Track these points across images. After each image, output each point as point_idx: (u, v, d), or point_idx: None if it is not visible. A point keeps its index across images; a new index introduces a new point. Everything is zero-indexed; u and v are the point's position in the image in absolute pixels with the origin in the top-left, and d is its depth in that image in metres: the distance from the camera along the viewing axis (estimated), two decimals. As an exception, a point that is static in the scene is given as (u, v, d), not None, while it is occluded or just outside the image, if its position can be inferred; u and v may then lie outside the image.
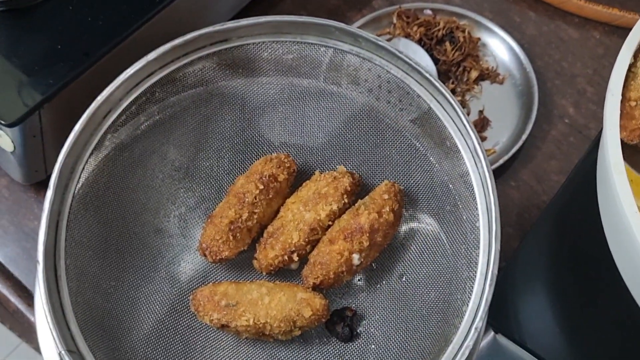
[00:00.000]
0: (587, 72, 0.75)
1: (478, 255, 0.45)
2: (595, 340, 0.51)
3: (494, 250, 0.45)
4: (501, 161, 0.68)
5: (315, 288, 0.51)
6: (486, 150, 0.70)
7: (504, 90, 0.74)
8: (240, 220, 0.52)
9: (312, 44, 0.52)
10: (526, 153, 0.71)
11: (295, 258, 0.51)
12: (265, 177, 0.52)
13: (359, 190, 0.53)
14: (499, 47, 0.76)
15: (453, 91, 0.73)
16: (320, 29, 0.51)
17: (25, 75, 0.58)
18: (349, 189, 0.52)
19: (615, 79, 0.45)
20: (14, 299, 0.67)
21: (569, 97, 0.74)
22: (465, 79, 0.75)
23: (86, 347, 0.47)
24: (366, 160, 0.54)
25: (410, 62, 0.49)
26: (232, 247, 0.51)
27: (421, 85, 0.50)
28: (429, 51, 0.75)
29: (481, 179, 0.47)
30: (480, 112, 0.73)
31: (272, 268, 0.52)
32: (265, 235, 0.52)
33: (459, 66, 0.75)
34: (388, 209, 0.50)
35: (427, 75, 0.48)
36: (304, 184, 0.53)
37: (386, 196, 0.50)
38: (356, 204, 0.52)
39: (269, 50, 0.52)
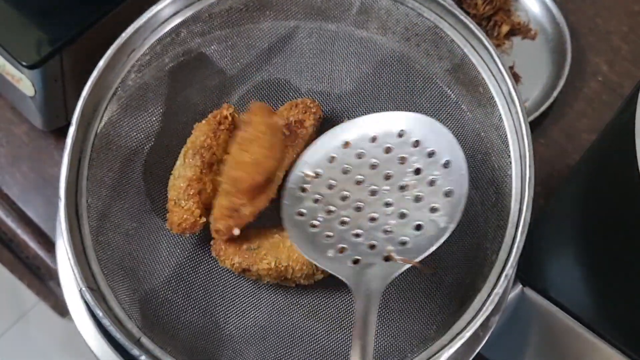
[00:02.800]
0: (622, 29, 0.73)
1: (510, 204, 0.44)
2: (624, 297, 0.50)
3: (527, 196, 0.43)
4: (531, 118, 0.66)
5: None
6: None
7: (536, 46, 0.72)
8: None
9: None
10: (557, 111, 0.69)
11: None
12: (292, 123, 0.51)
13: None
14: (532, 1, 0.74)
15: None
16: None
17: (48, 17, 0.57)
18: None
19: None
20: (33, 245, 0.67)
21: (602, 54, 0.72)
22: (495, 34, 0.73)
23: (107, 285, 0.46)
24: (395, 109, 0.52)
25: (444, 3, 0.47)
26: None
27: (455, 29, 0.49)
28: (459, 4, 0.73)
29: (515, 125, 0.45)
30: (511, 67, 0.71)
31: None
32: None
33: (490, 20, 0.73)
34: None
35: (462, 17, 0.47)
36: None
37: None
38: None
39: (299, -9, 0.51)
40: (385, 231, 0.45)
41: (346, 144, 0.49)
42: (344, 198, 0.47)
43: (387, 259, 0.43)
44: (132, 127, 0.51)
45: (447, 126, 0.51)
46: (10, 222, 0.68)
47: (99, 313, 0.44)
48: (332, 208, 0.47)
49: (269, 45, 0.54)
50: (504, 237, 0.44)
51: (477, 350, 0.45)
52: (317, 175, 0.49)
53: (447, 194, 0.43)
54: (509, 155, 0.45)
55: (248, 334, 0.50)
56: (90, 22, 0.58)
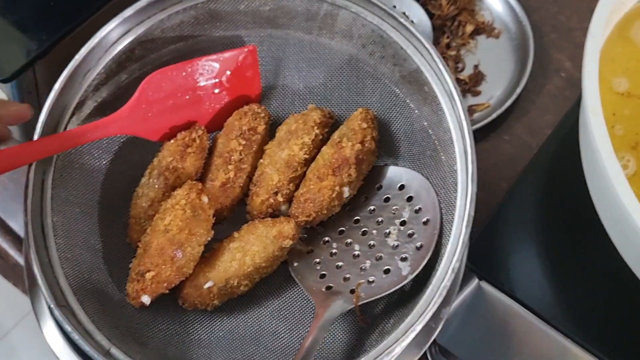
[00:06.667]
0: (585, 26, 0.72)
1: (456, 199, 0.45)
2: (580, 289, 0.51)
3: (471, 191, 0.44)
4: (494, 115, 0.67)
5: (306, 224, 0.51)
6: (480, 105, 0.69)
7: (500, 44, 0.73)
8: (230, 180, 0.52)
9: (288, -6, 0.51)
10: (521, 107, 0.70)
11: (281, 198, 0.51)
12: (245, 131, 0.52)
13: (332, 122, 0.53)
14: (495, 0, 0.74)
15: (448, 46, 0.72)
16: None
17: (19, 31, 0.58)
18: (318, 120, 0.51)
19: (596, 21, 0.45)
20: (13, 253, 0.69)
21: (565, 50, 0.72)
22: (460, 34, 0.73)
23: (75, 300, 0.48)
24: (349, 110, 0.54)
25: (384, 7, 0.49)
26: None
27: (396, 29, 0.50)
28: (424, 5, 0.74)
29: (458, 121, 0.46)
30: (476, 66, 0.72)
31: (262, 215, 0.52)
32: (251, 186, 0.53)
33: (454, 20, 0.74)
34: (369, 138, 0.50)
35: (402, 20, 0.48)
36: (277, 128, 0.53)
37: (365, 125, 0.50)
38: (335, 135, 0.51)
39: (245, 3, 0.52)
40: (361, 269, 0.49)
41: None
42: (340, 232, 0.52)
43: (352, 291, 0.48)
44: (94, 145, 0.52)
45: (398, 124, 0.52)
46: (-8, 232, 0.69)
47: (68, 328, 0.45)
48: (327, 239, 0.52)
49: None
50: (451, 231, 0.45)
51: (430, 341, 0.46)
52: None
53: (418, 247, 0.48)
54: (454, 151, 0.46)
55: (216, 337, 0.51)
56: (62, 34, 0.58)
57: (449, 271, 0.43)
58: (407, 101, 0.51)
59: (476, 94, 0.70)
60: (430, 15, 0.73)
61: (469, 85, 0.70)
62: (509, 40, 0.73)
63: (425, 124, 0.50)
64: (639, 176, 0.44)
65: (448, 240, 0.45)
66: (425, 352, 0.51)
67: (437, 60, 0.47)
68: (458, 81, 0.70)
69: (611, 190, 0.39)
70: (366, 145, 0.50)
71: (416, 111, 0.51)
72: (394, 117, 0.52)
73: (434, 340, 0.48)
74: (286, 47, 0.54)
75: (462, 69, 0.72)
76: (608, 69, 0.47)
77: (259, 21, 0.53)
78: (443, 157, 0.48)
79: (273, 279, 0.51)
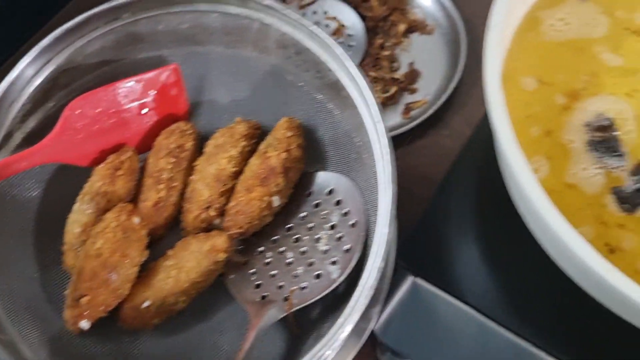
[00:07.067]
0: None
1: (377, 199, 0.46)
2: (514, 279, 0.51)
3: (391, 192, 0.45)
4: (431, 111, 0.68)
5: (239, 236, 0.51)
6: (417, 102, 0.70)
7: (434, 40, 0.74)
8: (162, 199, 0.52)
9: (203, 11, 0.52)
10: (458, 101, 0.70)
11: (213, 213, 0.51)
12: (173, 149, 0.52)
13: (259, 134, 0.54)
14: (424, -4, 0.76)
15: (382, 46, 0.73)
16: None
17: None
18: (245, 132, 0.52)
19: (496, 12, 0.46)
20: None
21: (498, 40, 0.73)
22: (393, 33, 0.74)
23: (15, 330, 0.48)
24: (276, 119, 0.54)
25: (293, 16, 0.49)
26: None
27: (311, 38, 0.50)
28: (356, 9, 0.75)
29: (373, 123, 0.47)
30: (411, 64, 0.73)
31: (197, 230, 0.52)
32: (183, 203, 0.53)
33: (386, 20, 0.75)
34: (295, 146, 0.51)
35: (312, 28, 0.48)
36: (205, 144, 0.54)
37: (289, 133, 0.51)
38: (261, 146, 0.52)
39: (163, 23, 0.53)
40: (294, 276, 0.50)
41: None
42: (274, 241, 0.53)
43: (286, 299, 0.49)
44: (24, 175, 0.53)
45: (323, 129, 0.53)
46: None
47: (6, 358, 0.45)
48: (262, 248, 0.52)
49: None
50: (375, 231, 0.45)
51: (362, 341, 0.47)
52: None
53: (347, 250, 0.49)
54: (373, 152, 0.47)
55: (159, 355, 0.51)
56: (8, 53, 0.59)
57: (374, 271, 0.44)
58: (329, 107, 0.52)
59: (413, 91, 0.71)
60: (363, 18, 0.74)
61: (405, 84, 0.71)
62: (442, 36, 0.74)
63: (348, 127, 0.51)
64: (553, 175, 0.45)
65: (373, 240, 0.46)
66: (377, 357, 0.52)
67: (347, 63, 0.48)
68: (394, 80, 0.71)
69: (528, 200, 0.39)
70: (292, 153, 0.51)
71: (338, 116, 0.51)
72: (318, 123, 0.53)
73: (385, 343, 0.49)
74: (209, 63, 0.55)
75: (398, 68, 0.72)
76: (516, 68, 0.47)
77: (179, 40, 0.54)
78: (366, 160, 0.49)
79: (212, 292, 0.52)
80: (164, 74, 0.53)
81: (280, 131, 0.51)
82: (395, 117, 0.69)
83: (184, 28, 0.53)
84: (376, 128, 0.46)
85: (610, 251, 0.43)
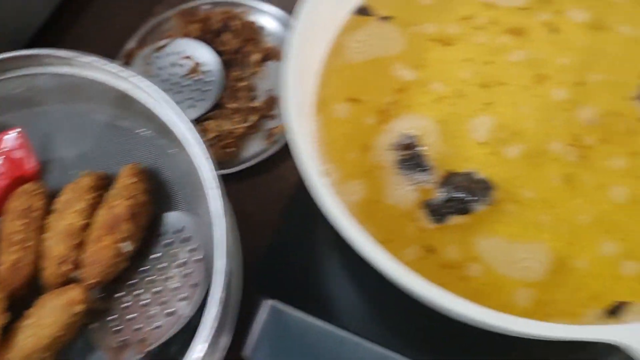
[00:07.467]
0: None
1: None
2: (364, 295, 0.54)
3: (224, 225, 0.47)
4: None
5: (97, 285, 0.53)
6: (277, 127, 0.73)
7: (289, 64, 0.77)
8: (18, 260, 0.54)
9: (34, 74, 0.54)
10: (316, 120, 0.74)
11: (69, 266, 0.53)
12: (24, 210, 0.54)
13: (107, 183, 0.55)
14: (275, 25, 0.79)
15: (239, 78, 0.76)
16: (35, 59, 0.53)
17: None
18: (91, 184, 0.54)
19: (291, 44, 0.49)
20: None
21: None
22: (249, 63, 0.77)
23: None
24: (119, 164, 0.56)
25: (112, 70, 0.52)
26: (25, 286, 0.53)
27: (137, 87, 0.53)
28: (211, 44, 0.77)
29: (205, 159, 0.49)
30: (269, 91, 0.76)
31: (57, 285, 0.53)
32: (38, 261, 0.54)
33: (241, 52, 0.78)
34: (140, 191, 0.53)
35: (128, 75, 0.51)
36: (54, 201, 0.55)
37: (134, 179, 0.53)
38: (107, 196, 0.54)
39: (-1, 89, 0.54)
40: (149, 316, 0.52)
41: None
42: (131, 285, 0.55)
43: (142, 340, 0.51)
44: None
45: (167, 172, 0.56)
46: None
47: None
48: (122, 293, 0.54)
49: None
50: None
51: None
52: None
53: (194, 285, 0.51)
54: (205, 187, 0.49)
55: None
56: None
57: (214, 303, 0.46)
58: (169, 149, 0.54)
59: (272, 117, 0.74)
60: (219, 53, 0.77)
61: (265, 111, 0.74)
62: (296, 61, 0.77)
63: (186, 167, 0.53)
64: (371, 195, 0.47)
65: (212, 272, 0.48)
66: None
67: (171, 106, 0.50)
68: (254, 109, 0.74)
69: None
70: (138, 199, 0.53)
71: (177, 157, 0.54)
72: (162, 166, 0.55)
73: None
74: (51, 122, 0.57)
75: (256, 97, 0.75)
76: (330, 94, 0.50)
77: (16, 104, 0.56)
78: (201, 194, 0.51)
79: (78, 343, 0.53)
80: (8, 139, 0.55)
81: (123, 179, 0.53)
82: (261, 143, 0.72)
83: (18, 92, 0.55)
84: (206, 165, 0.49)
85: (442, 266, 0.45)
